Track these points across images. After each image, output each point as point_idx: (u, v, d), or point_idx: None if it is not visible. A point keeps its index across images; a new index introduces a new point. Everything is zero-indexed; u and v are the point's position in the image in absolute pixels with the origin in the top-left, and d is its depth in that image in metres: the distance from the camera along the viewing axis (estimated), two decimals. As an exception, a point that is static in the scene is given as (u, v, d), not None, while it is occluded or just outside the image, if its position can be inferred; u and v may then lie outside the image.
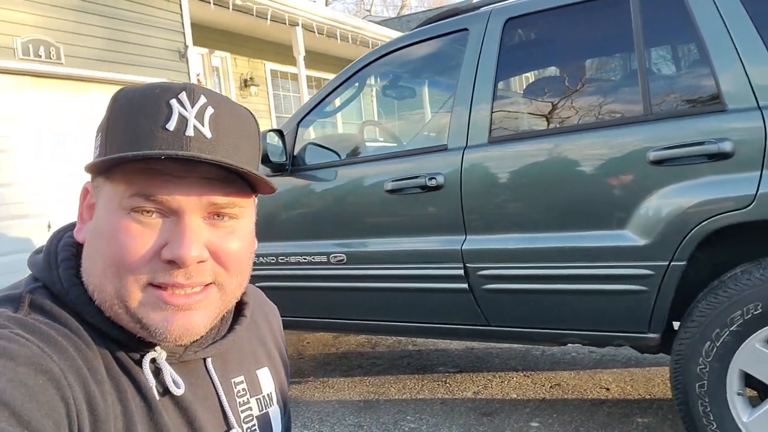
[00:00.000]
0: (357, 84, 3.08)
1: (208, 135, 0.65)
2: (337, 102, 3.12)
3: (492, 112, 2.42)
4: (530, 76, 2.70)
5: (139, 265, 0.64)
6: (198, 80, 7.34)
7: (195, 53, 7.22)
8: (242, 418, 0.79)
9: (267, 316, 0.93)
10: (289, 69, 10.27)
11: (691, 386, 2.08)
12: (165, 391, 0.70)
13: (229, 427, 0.76)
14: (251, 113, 0.73)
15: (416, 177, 2.51)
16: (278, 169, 2.91)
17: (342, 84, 2.89)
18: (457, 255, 2.44)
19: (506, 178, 2.37)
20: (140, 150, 0.63)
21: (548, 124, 2.39)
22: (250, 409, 0.80)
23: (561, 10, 2.36)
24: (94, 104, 5.79)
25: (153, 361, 0.70)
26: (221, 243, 0.68)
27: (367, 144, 3.34)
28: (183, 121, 0.64)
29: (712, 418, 2.06)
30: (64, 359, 0.62)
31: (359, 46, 10.22)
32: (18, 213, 5.16)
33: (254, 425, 0.80)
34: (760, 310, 1.94)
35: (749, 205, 1.93)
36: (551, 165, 2.29)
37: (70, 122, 5.60)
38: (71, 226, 0.75)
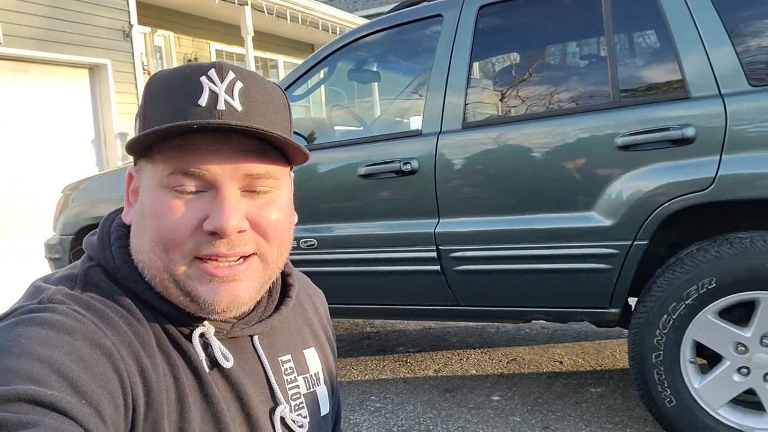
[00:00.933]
0: (327, 68, 3.09)
1: (239, 108, 0.67)
2: (307, 86, 3.11)
3: (466, 98, 2.49)
4: (504, 63, 2.79)
5: (183, 239, 0.67)
6: (142, 62, 7.10)
7: (137, 32, 6.97)
8: (290, 395, 0.80)
9: (312, 300, 0.94)
10: (236, 50, 10.06)
11: (648, 356, 2.25)
12: (214, 365, 0.72)
13: (276, 403, 0.77)
14: (279, 86, 0.76)
15: (390, 162, 2.57)
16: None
17: (313, 68, 2.90)
18: (430, 238, 2.52)
19: (480, 163, 2.46)
20: None
21: (521, 111, 2.49)
22: (298, 387, 0.82)
23: None
24: (34, 86, 5.53)
25: (202, 336, 0.72)
26: (260, 213, 0.70)
27: (337, 129, 3.36)
28: (214, 96, 0.66)
29: (666, 386, 2.23)
30: (116, 334, 0.65)
31: (309, 26, 10.12)
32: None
33: (302, 402, 0.81)
34: (714, 285, 2.11)
35: (708, 188, 2.09)
36: (523, 150, 2.39)
37: (9, 104, 5.32)
38: (121, 210, 0.78)
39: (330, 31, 10.84)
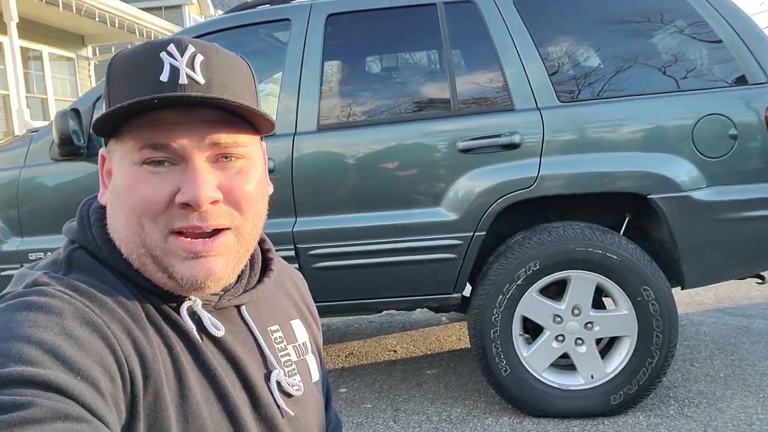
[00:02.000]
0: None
1: (201, 81, 0.67)
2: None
3: (320, 101, 2.58)
4: (356, 69, 2.92)
5: (157, 212, 0.68)
6: None
7: None
8: (282, 362, 0.81)
9: (292, 278, 0.96)
10: (-8, 36, 8.71)
11: (487, 333, 2.57)
12: (205, 336, 0.73)
13: (270, 368, 0.78)
14: (243, 58, 0.77)
15: (245, 162, 2.54)
16: (72, 153, 2.62)
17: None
18: (289, 237, 2.56)
19: (336, 163, 2.57)
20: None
21: (373, 115, 2.65)
22: (288, 355, 0.83)
23: (379, 12, 2.64)
24: None
25: (190, 309, 0.73)
26: (232, 183, 0.70)
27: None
28: (175, 71, 0.67)
29: (502, 357, 2.58)
30: (105, 311, 0.65)
31: (83, 16, 9.18)
32: None
33: (294, 369, 0.83)
34: (538, 267, 2.50)
35: (532, 185, 2.47)
36: (376, 151, 2.56)
37: None
38: (96, 195, 0.78)
39: (108, 23, 9.99)
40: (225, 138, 0.69)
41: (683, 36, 2.64)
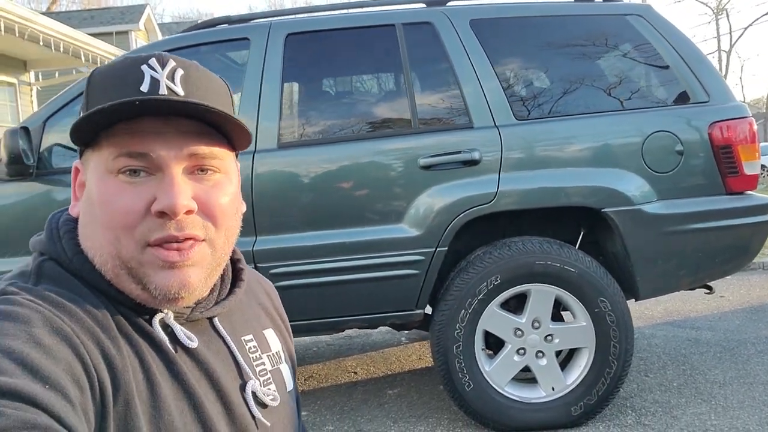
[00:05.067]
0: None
1: (181, 92, 0.69)
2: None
3: (281, 119, 2.57)
4: (316, 88, 2.93)
5: (133, 223, 0.67)
6: None
7: None
8: (257, 371, 0.81)
9: (264, 287, 0.96)
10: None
11: (450, 348, 2.58)
12: (178, 347, 0.73)
13: (245, 379, 0.78)
14: (222, 78, 0.78)
15: (204, 180, 2.50)
16: (21, 172, 2.52)
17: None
18: (248, 256, 2.52)
19: (296, 180, 2.55)
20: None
21: (334, 133, 2.66)
22: (263, 364, 0.84)
23: (339, 32, 2.67)
24: None
25: (162, 321, 0.73)
26: (207, 195, 0.71)
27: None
28: (156, 82, 0.68)
29: (465, 372, 2.59)
30: (74, 321, 0.65)
31: (27, 40, 8.91)
32: None
33: (269, 378, 0.83)
34: (499, 281, 2.54)
35: (492, 201, 2.52)
36: (337, 168, 2.56)
37: None
38: (64, 210, 0.79)
39: (52, 48, 9.73)
40: (203, 149, 0.70)
41: (631, 58, 2.77)
